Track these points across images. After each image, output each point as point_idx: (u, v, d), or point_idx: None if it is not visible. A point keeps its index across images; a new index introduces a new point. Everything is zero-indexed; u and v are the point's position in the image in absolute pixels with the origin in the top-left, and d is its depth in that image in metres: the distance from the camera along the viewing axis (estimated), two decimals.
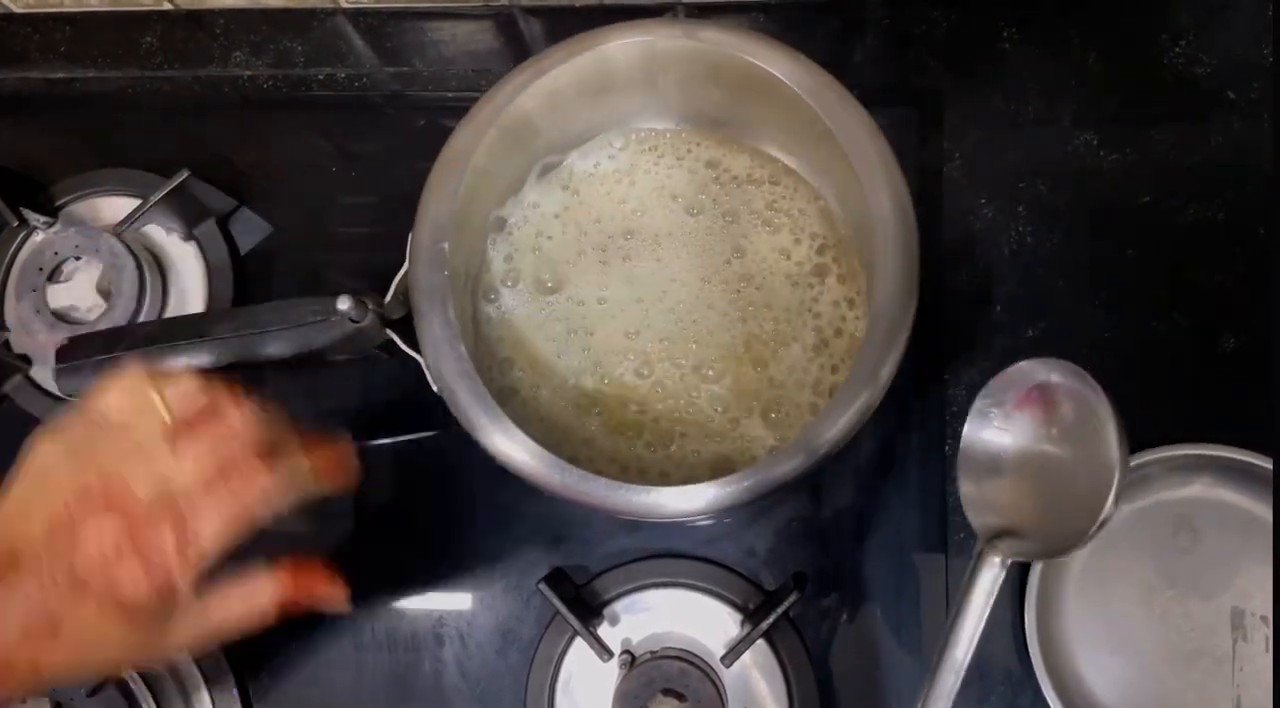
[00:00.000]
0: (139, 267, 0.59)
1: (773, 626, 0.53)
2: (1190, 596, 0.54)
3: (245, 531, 0.38)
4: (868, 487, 0.57)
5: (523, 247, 0.54)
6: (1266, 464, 0.52)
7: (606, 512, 0.44)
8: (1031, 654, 0.52)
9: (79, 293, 0.60)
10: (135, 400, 0.39)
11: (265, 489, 0.39)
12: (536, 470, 0.44)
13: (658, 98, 0.53)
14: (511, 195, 0.54)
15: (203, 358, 0.46)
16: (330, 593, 0.43)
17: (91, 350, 0.47)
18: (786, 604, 0.53)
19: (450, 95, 0.64)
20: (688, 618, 0.56)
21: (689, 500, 0.43)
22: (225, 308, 0.61)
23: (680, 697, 0.51)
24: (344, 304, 0.45)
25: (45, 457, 0.38)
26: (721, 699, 0.51)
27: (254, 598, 0.41)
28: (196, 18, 0.67)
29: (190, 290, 0.62)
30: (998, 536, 0.42)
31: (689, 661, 0.52)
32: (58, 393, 0.59)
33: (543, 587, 0.54)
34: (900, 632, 0.56)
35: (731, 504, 0.43)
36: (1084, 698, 0.53)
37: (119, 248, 0.59)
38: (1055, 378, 0.42)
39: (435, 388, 0.46)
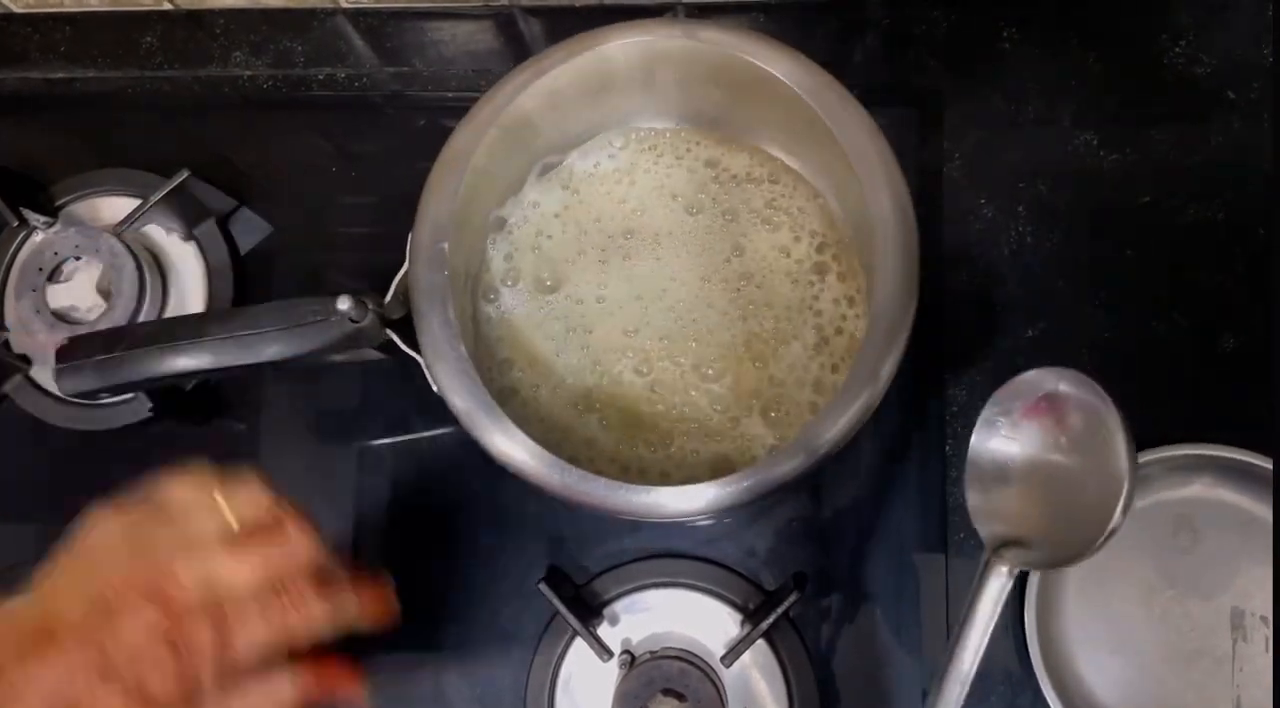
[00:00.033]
0: (139, 267, 0.59)
1: (773, 626, 0.53)
2: (1190, 596, 0.54)
3: (282, 649, 0.39)
4: (868, 487, 0.57)
5: (522, 246, 0.54)
6: (1266, 464, 0.52)
7: (606, 512, 0.44)
8: (1031, 654, 0.52)
9: (79, 293, 0.60)
10: (200, 497, 0.39)
11: (312, 615, 0.39)
12: (536, 470, 0.44)
13: (657, 98, 0.53)
14: (511, 195, 0.54)
15: (203, 358, 0.46)
16: (352, 691, 0.43)
17: (91, 350, 0.47)
18: (786, 604, 0.53)
19: (450, 95, 0.64)
20: (688, 618, 0.56)
21: (689, 500, 0.43)
22: (225, 308, 0.61)
23: (680, 697, 0.51)
24: (344, 304, 0.45)
25: (100, 536, 0.39)
26: (721, 699, 0.51)
27: (276, 697, 0.40)
28: (196, 18, 0.67)
29: (190, 290, 0.62)
30: (1004, 545, 0.42)
31: (689, 661, 0.52)
32: (58, 393, 0.59)
33: (543, 587, 0.54)
34: (900, 632, 0.56)
35: (731, 504, 0.43)
36: (1084, 698, 0.53)
37: (119, 248, 0.59)
38: (1064, 387, 0.41)
39: (435, 388, 0.46)
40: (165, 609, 0.36)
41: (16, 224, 0.61)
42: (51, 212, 0.62)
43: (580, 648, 0.55)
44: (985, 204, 0.60)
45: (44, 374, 0.60)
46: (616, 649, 0.55)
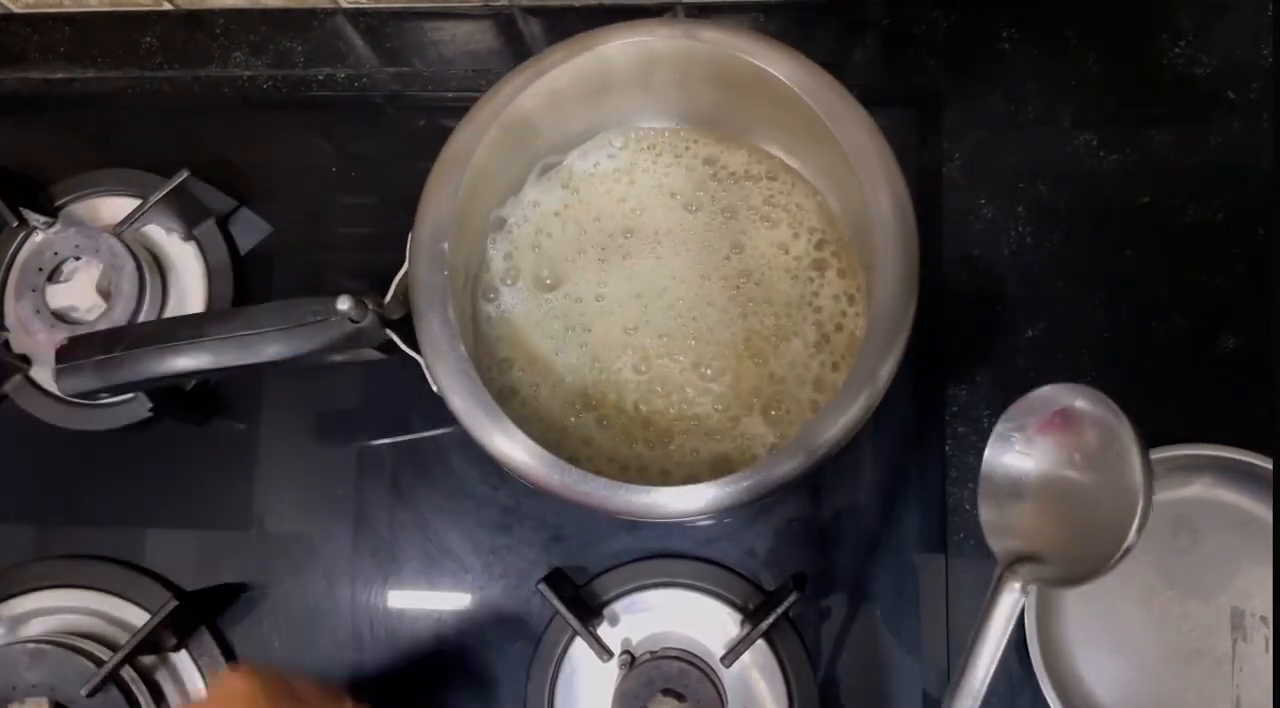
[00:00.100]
0: (139, 267, 0.59)
1: (772, 626, 0.53)
2: (1190, 596, 0.54)
3: None
4: (868, 487, 0.57)
5: (522, 245, 0.54)
6: (1266, 464, 0.52)
7: (606, 512, 0.44)
8: (1031, 654, 0.52)
9: (79, 293, 0.60)
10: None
11: None
12: (536, 470, 0.44)
13: (657, 98, 0.53)
14: (511, 195, 0.54)
15: (203, 358, 0.46)
16: None
17: (91, 350, 0.47)
18: (786, 604, 0.53)
19: (450, 95, 0.64)
20: (687, 618, 0.56)
21: (689, 501, 0.43)
22: (225, 308, 0.61)
23: (680, 697, 0.51)
24: (344, 304, 0.45)
25: None
26: (721, 699, 0.51)
27: None
28: (196, 18, 0.67)
29: (190, 290, 0.62)
30: (1018, 560, 0.42)
31: (689, 661, 0.52)
32: (58, 393, 0.59)
33: (542, 587, 0.54)
34: (900, 632, 0.56)
35: (731, 504, 0.43)
36: (1084, 698, 0.53)
37: (119, 248, 0.59)
38: (1079, 403, 0.41)
39: (435, 388, 0.46)
40: None
41: (16, 224, 0.61)
42: (51, 212, 0.62)
43: (580, 648, 0.55)
44: (985, 204, 0.60)
45: (44, 374, 0.60)
46: (616, 649, 0.55)
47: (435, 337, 0.46)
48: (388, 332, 0.47)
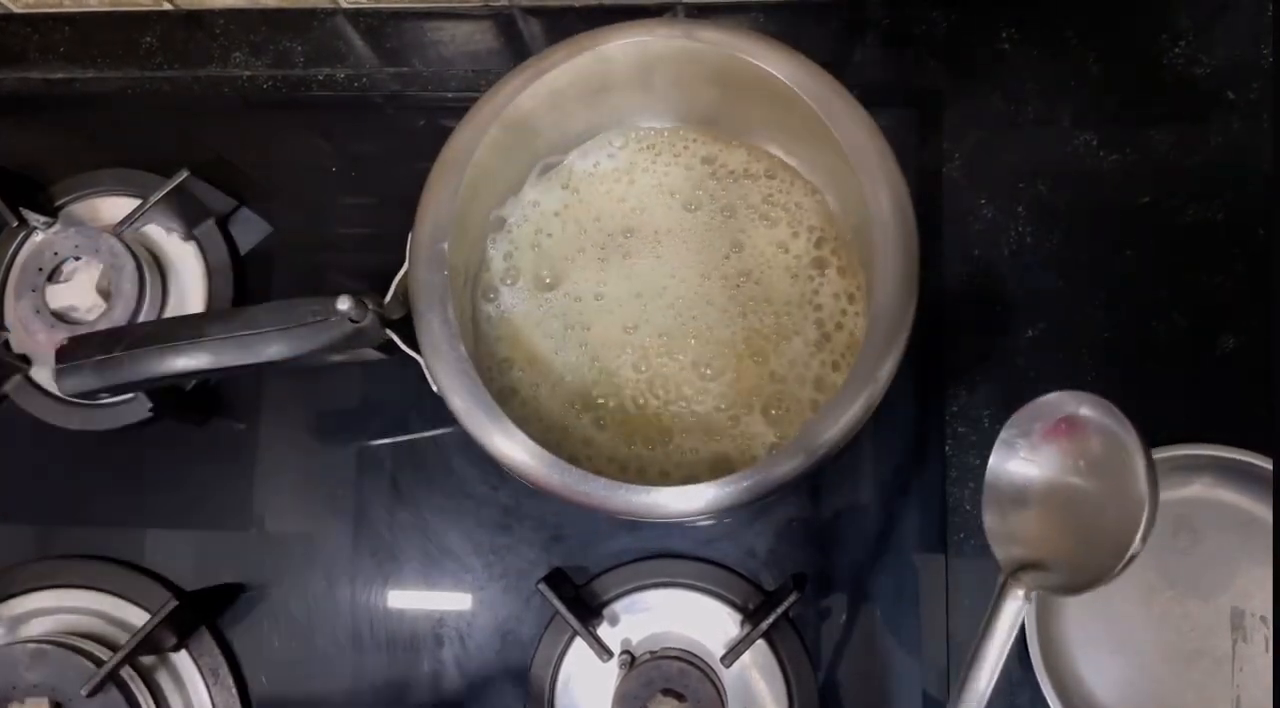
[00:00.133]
0: (139, 267, 0.59)
1: (772, 626, 0.53)
2: (1190, 596, 0.54)
3: None
4: (868, 487, 0.57)
5: (522, 244, 0.54)
6: (1266, 464, 0.52)
7: (606, 512, 0.44)
8: (1031, 654, 0.52)
9: (79, 293, 0.60)
10: None
11: None
12: (536, 470, 0.44)
13: (657, 97, 0.53)
14: (511, 195, 0.54)
15: (203, 358, 0.46)
16: None
17: (91, 350, 0.47)
18: (786, 605, 0.53)
19: (450, 95, 0.64)
20: (687, 618, 0.56)
21: (689, 501, 0.43)
22: (225, 308, 0.61)
23: (680, 697, 0.51)
24: (344, 304, 0.45)
25: None
26: (721, 700, 0.51)
27: None
28: (196, 18, 0.67)
29: (190, 290, 0.62)
30: (1021, 568, 0.42)
31: (689, 661, 0.52)
32: (58, 393, 0.59)
33: (542, 587, 0.54)
34: (900, 632, 0.56)
35: (731, 504, 0.43)
36: (1084, 698, 0.53)
37: (119, 248, 0.59)
38: (1084, 411, 0.41)
39: (435, 388, 0.46)
40: None
41: (16, 224, 0.61)
42: (51, 212, 0.62)
43: (580, 648, 0.55)
44: (985, 204, 0.60)
45: (44, 374, 0.60)
46: (616, 649, 0.55)
47: (435, 337, 0.46)
48: (388, 332, 0.47)
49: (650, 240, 0.54)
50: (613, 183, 0.55)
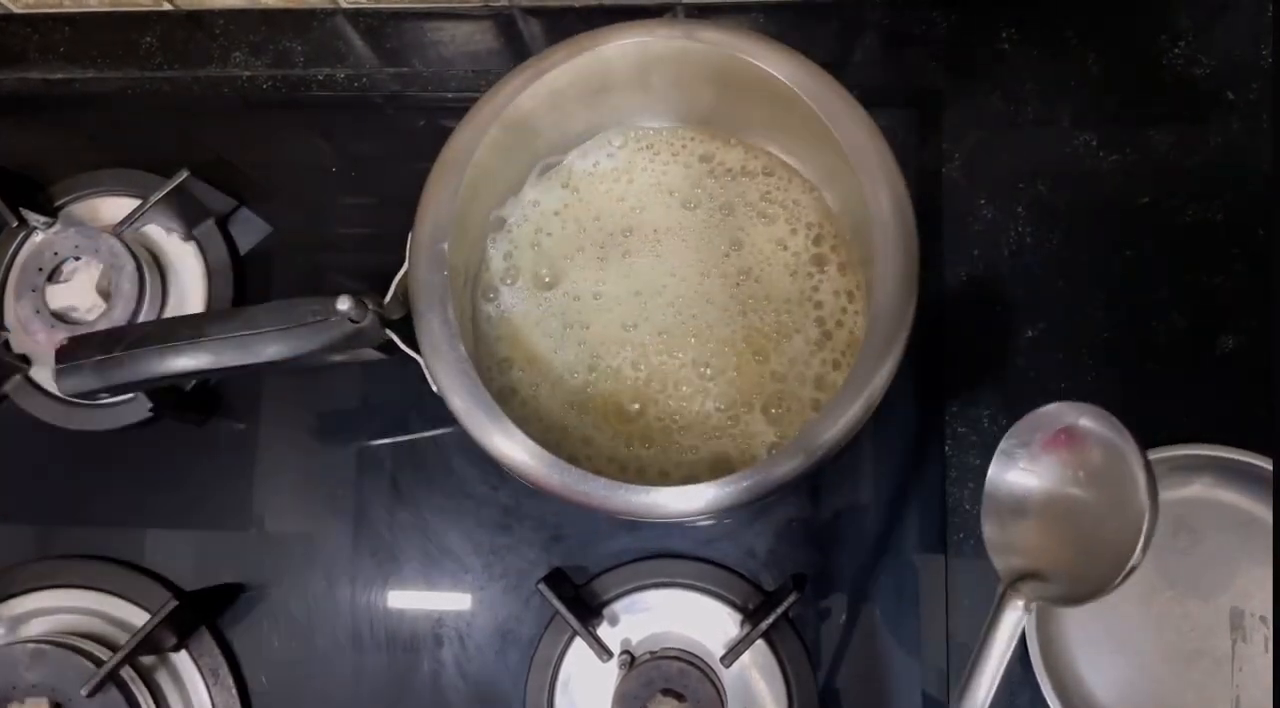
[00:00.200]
0: (139, 267, 0.59)
1: (772, 626, 0.53)
2: (1190, 596, 0.54)
3: None
4: (868, 487, 0.57)
5: (522, 244, 0.54)
6: (1266, 464, 0.52)
7: (606, 512, 0.44)
8: (1031, 654, 0.52)
9: (79, 293, 0.60)
10: None
11: None
12: (536, 470, 0.44)
13: (657, 98, 0.53)
14: (511, 195, 0.54)
15: (203, 358, 0.46)
16: None
17: (91, 351, 0.47)
18: (786, 605, 0.53)
19: (450, 95, 0.64)
20: (687, 618, 0.56)
21: (688, 501, 0.43)
22: (225, 308, 0.61)
23: (680, 697, 0.51)
24: (344, 304, 0.45)
25: None
26: (721, 700, 0.51)
27: None
28: (196, 18, 0.67)
29: (190, 290, 0.62)
30: (1021, 578, 0.42)
31: (689, 661, 0.52)
32: (58, 393, 0.59)
33: (542, 587, 0.54)
34: (900, 632, 0.56)
35: (731, 505, 0.43)
36: (1084, 698, 0.53)
37: (119, 248, 0.59)
38: (1084, 422, 0.41)
39: (435, 388, 0.46)
40: None
41: (16, 224, 0.61)
42: (51, 212, 0.62)
43: (580, 648, 0.55)
44: (985, 204, 0.60)
45: (44, 374, 0.60)
46: (616, 649, 0.55)
47: (435, 337, 0.46)
48: (388, 332, 0.47)
49: (649, 239, 0.54)
50: (612, 182, 0.55)
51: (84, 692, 0.53)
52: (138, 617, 0.58)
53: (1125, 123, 0.60)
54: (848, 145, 0.46)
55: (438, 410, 0.47)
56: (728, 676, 0.53)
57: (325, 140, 0.64)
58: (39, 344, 0.59)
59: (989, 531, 0.44)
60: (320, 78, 0.65)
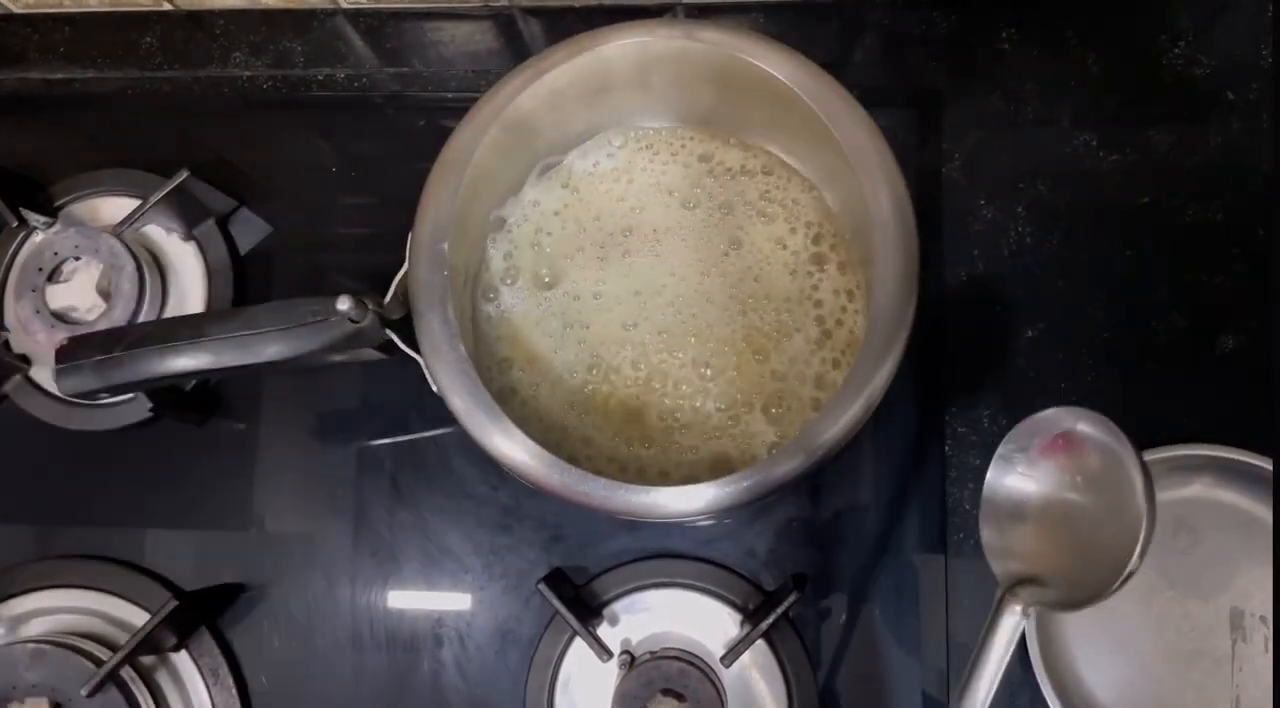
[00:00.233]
0: (139, 267, 0.59)
1: (772, 626, 0.53)
2: (1189, 596, 0.54)
3: None
4: (868, 487, 0.57)
5: (522, 243, 0.54)
6: (1266, 464, 0.52)
7: (606, 512, 0.44)
8: (1031, 654, 0.52)
9: (79, 293, 0.60)
10: None
11: None
12: (536, 470, 0.44)
13: (657, 98, 0.53)
14: (511, 195, 0.54)
15: (203, 358, 0.46)
16: None
17: (91, 351, 0.47)
18: (786, 605, 0.53)
19: (450, 95, 0.64)
20: (687, 618, 0.56)
21: (688, 501, 0.43)
22: (225, 308, 0.61)
23: (680, 697, 0.51)
24: (344, 304, 0.45)
25: None
26: (721, 700, 0.51)
27: None
28: (196, 18, 0.67)
29: (190, 291, 0.62)
30: (1019, 583, 0.42)
31: (689, 661, 0.52)
32: (58, 393, 0.59)
33: (542, 587, 0.54)
34: (900, 632, 0.56)
35: (731, 504, 0.43)
36: (1084, 698, 0.53)
37: (119, 248, 0.59)
38: (1082, 427, 0.41)
39: (435, 388, 0.46)
40: None
41: (16, 224, 0.61)
42: (51, 212, 0.62)
43: (580, 648, 0.55)
44: (985, 204, 0.60)
45: (44, 374, 0.60)
46: (616, 650, 0.55)
47: (435, 337, 0.46)
48: (388, 332, 0.47)
49: (649, 239, 0.54)
50: (612, 182, 0.55)
51: (84, 692, 0.53)
52: (138, 617, 0.58)
53: (1125, 123, 0.60)
54: (848, 145, 0.46)
55: (438, 410, 0.47)
56: (728, 676, 0.53)
57: (325, 140, 0.64)
58: (39, 344, 0.59)
59: (987, 535, 0.44)
60: (320, 78, 0.65)
